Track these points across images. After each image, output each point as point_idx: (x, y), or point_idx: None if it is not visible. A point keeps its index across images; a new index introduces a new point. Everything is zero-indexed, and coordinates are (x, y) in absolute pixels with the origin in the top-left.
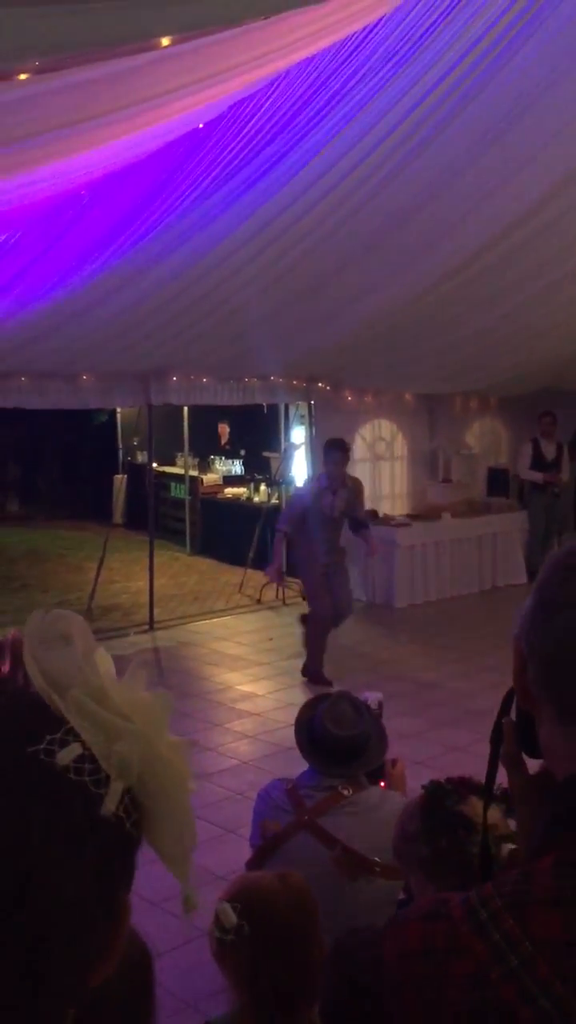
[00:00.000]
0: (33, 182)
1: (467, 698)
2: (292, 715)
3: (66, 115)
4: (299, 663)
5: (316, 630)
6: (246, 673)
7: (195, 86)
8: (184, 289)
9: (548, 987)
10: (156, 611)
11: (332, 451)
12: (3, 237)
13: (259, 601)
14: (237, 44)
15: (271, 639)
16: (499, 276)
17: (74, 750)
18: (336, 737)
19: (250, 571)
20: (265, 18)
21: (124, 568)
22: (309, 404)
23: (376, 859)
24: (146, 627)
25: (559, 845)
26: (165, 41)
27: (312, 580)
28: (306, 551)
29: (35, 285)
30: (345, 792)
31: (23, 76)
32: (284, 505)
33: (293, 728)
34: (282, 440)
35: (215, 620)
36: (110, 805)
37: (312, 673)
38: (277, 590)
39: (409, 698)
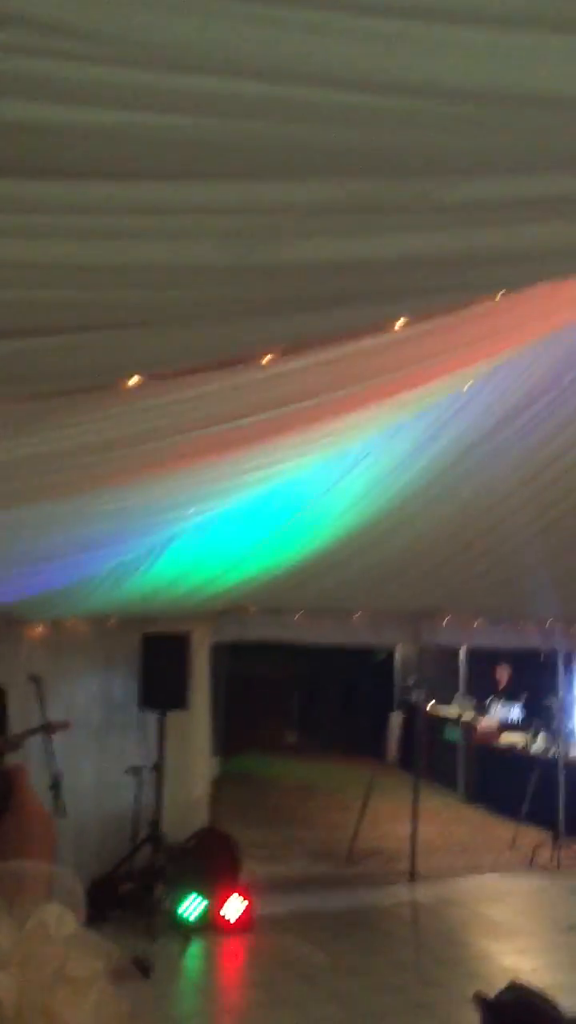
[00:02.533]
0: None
1: None
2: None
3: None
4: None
5: None
6: (511, 944)
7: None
8: (455, 533)
9: None
10: (419, 860)
11: None
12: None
13: (532, 862)
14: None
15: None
16: None
17: None
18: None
19: (523, 826)
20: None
21: (392, 810)
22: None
23: None
24: (407, 877)
25: None
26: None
27: None
28: None
29: (310, 527)
30: None
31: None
32: None
33: None
34: (559, 687)
35: (481, 877)
36: None
37: None
38: (553, 852)
39: None
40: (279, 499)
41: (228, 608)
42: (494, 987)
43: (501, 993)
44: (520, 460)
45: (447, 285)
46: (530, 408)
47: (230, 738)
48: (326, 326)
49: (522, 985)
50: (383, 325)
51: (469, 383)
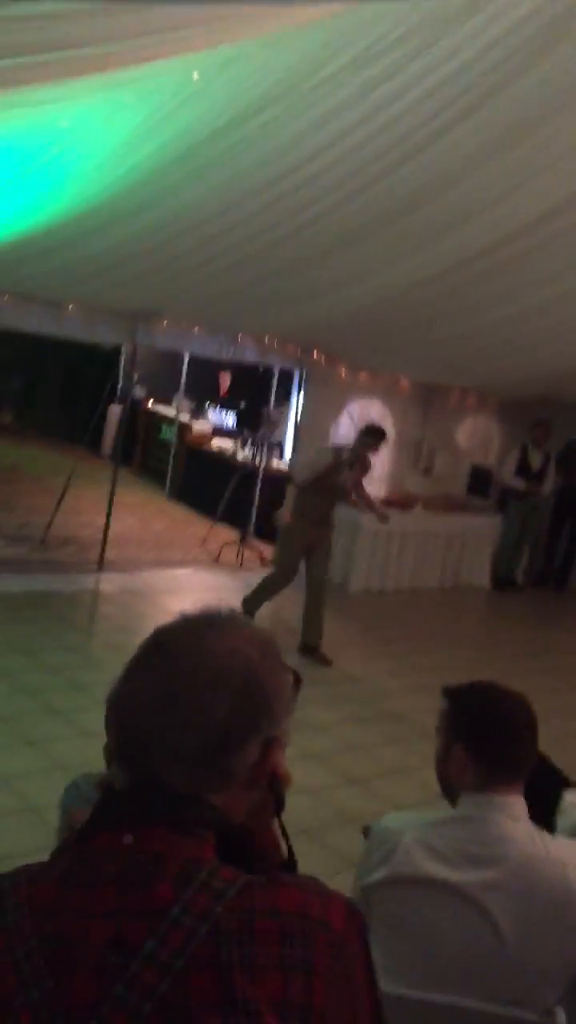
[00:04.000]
0: None
1: (386, 697)
2: None
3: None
4: None
5: (271, 586)
6: None
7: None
8: (183, 233)
9: None
10: (111, 552)
11: (373, 437)
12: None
13: (217, 560)
14: None
15: None
16: (513, 276)
17: None
18: None
19: (216, 527)
20: None
21: (96, 501)
22: (301, 372)
23: None
24: (95, 567)
25: None
26: None
27: (295, 541)
28: (301, 513)
29: (27, 206)
30: None
31: None
32: (311, 460)
33: None
34: (271, 401)
35: (170, 571)
36: None
37: (246, 604)
38: (238, 552)
39: (328, 687)
40: None
41: None
42: None
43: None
44: (251, 168)
45: None
46: (264, 112)
47: None
48: None
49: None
50: None
51: (196, 74)
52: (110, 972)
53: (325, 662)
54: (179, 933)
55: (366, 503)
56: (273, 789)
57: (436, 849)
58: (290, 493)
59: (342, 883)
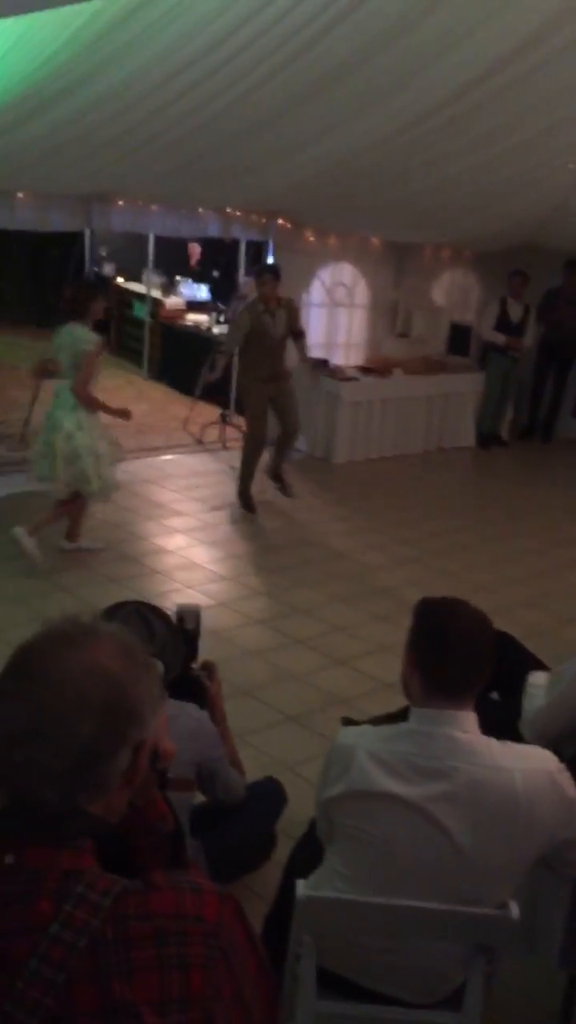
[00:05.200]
0: None
1: (373, 573)
2: (192, 577)
3: None
4: (222, 516)
5: (250, 453)
6: (163, 524)
7: None
8: (128, 107)
9: None
10: None
11: (264, 274)
12: None
13: (200, 442)
14: None
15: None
16: (476, 123)
17: None
18: None
19: (197, 405)
20: None
21: None
22: (268, 241)
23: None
24: None
25: None
26: None
27: (254, 403)
28: (251, 375)
29: None
30: None
31: None
32: (229, 327)
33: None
34: (241, 272)
35: (154, 459)
36: None
37: (242, 496)
38: (220, 431)
39: (314, 567)
40: None
41: None
42: (152, 565)
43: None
44: (193, 30)
45: None
46: None
47: None
48: None
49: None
50: None
51: None
52: None
53: (288, 493)
54: (59, 948)
55: (298, 350)
56: (155, 767)
57: (388, 763)
58: (220, 362)
59: None
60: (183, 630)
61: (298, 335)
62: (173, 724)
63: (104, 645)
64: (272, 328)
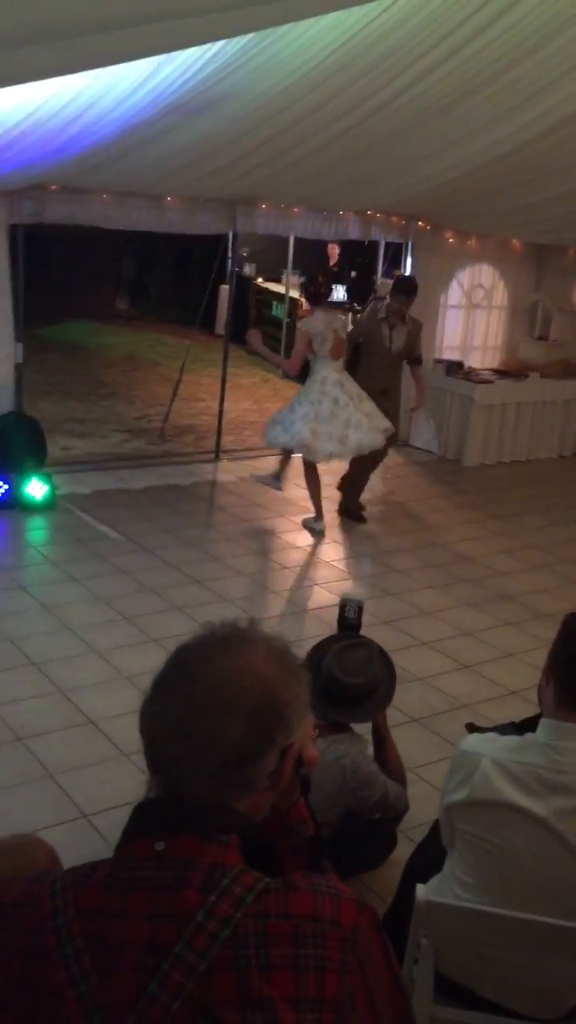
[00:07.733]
0: None
1: (502, 578)
2: (321, 574)
3: None
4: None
5: (361, 464)
6: (293, 521)
7: None
8: (274, 115)
9: None
10: (227, 438)
11: (403, 289)
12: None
13: None
14: None
15: None
16: None
17: None
18: (343, 684)
19: None
20: None
21: (212, 386)
22: (407, 243)
23: None
24: (211, 456)
25: None
26: None
27: None
28: (363, 385)
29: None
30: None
31: None
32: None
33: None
34: (379, 272)
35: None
36: None
37: (347, 510)
38: None
39: (442, 570)
40: None
41: (24, 187)
42: (283, 572)
43: None
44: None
45: None
46: None
47: (54, 306)
48: None
49: None
50: None
51: None
52: (145, 971)
53: (360, 519)
54: (203, 937)
55: (414, 378)
56: (299, 773)
57: (513, 774)
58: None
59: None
60: (344, 618)
61: (415, 361)
62: (334, 764)
63: (258, 650)
64: (388, 340)
